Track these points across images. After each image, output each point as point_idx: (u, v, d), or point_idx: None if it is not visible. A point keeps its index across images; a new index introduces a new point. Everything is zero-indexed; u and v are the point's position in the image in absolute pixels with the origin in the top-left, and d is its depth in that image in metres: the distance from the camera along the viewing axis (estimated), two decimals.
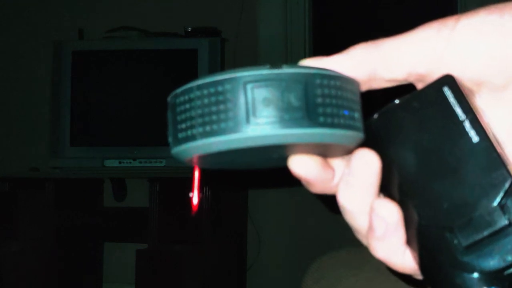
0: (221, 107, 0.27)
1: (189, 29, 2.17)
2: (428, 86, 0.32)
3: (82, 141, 2.18)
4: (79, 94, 2.19)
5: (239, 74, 0.27)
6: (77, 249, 2.21)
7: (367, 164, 0.32)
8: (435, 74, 0.32)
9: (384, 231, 0.31)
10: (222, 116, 0.27)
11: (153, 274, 1.95)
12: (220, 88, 0.27)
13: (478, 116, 0.30)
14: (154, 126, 2.16)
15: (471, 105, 0.30)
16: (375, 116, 0.33)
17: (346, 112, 0.29)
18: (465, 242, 0.29)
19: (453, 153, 0.30)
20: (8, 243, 2.05)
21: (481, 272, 0.29)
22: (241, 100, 0.27)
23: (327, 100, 0.28)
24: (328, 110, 0.28)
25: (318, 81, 0.28)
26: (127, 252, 2.17)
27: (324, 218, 2.24)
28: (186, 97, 0.28)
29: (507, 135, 0.32)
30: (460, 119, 0.30)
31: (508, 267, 0.29)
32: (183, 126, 0.29)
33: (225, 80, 0.27)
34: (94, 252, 2.34)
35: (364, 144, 0.31)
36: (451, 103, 0.30)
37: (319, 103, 0.28)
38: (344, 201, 0.33)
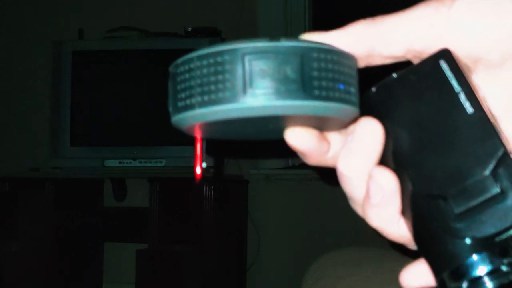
0: (219, 77, 0.28)
1: (189, 29, 2.17)
2: (425, 60, 0.32)
3: (82, 141, 2.18)
4: (79, 94, 2.19)
5: (238, 46, 0.28)
6: (77, 249, 2.21)
7: (371, 132, 0.32)
8: (433, 51, 0.33)
9: (380, 198, 0.32)
10: (220, 86, 0.28)
11: (153, 274, 1.95)
12: (219, 59, 0.28)
13: (473, 89, 0.31)
14: (154, 126, 2.16)
15: (467, 78, 0.31)
16: (373, 89, 0.34)
17: (341, 86, 0.29)
18: (457, 209, 0.30)
19: (448, 124, 0.31)
20: (8, 243, 2.05)
21: (472, 238, 0.30)
22: (239, 71, 0.28)
23: (323, 74, 0.29)
24: (323, 83, 0.29)
25: (315, 54, 0.29)
26: (127, 252, 2.17)
27: (324, 218, 2.24)
28: (186, 67, 0.29)
29: (503, 111, 0.33)
30: (456, 91, 0.31)
31: (499, 233, 0.30)
32: (183, 95, 0.30)
33: (224, 51, 0.28)
34: (94, 252, 2.34)
35: (364, 112, 0.32)
36: (447, 76, 0.31)
37: (315, 76, 0.28)
38: (345, 168, 0.33)
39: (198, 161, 0.34)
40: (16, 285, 2.05)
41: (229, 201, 2.18)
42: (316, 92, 0.28)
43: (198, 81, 0.29)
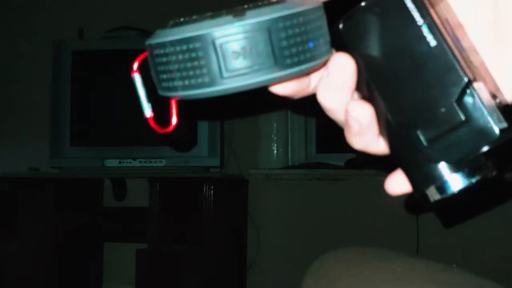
0: (195, 63, 0.30)
1: None
2: None
3: (82, 141, 2.18)
4: (79, 94, 2.19)
5: (207, 31, 0.29)
6: (77, 249, 2.21)
7: (343, 68, 0.34)
8: None
9: (359, 129, 0.35)
10: (198, 72, 0.30)
11: (153, 274, 1.95)
12: (191, 46, 0.29)
13: (436, 19, 0.32)
14: None
15: (429, 9, 0.32)
16: (341, 22, 0.35)
17: (311, 45, 0.31)
18: (427, 136, 0.33)
19: (414, 56, 0.33)
20: (8, 243, 2.05)
21: (443, 161, 0.33)
22: (212, 57, 0.29)
23: (292, 41, 0.30)
24: (294, 50, 0.30)
25: (281, 24, 0.29)
26: (127, 252, 2.17)
27: (324, 218, 2.24)
28: (162, 51, 0.31)
29: (469, 17, 0.34)
30: (418, 23, 0.32)
31: (467, 155, 0.33)
32: (164, 76, 0.31)
33: (195, 37, 0.29)
34: (94, 252, 2.34)
35: (336, 47, 0.34)
36: (409, 8, 0.32)
37: (285, 46, 0.30)
38: (323, 101, 0.36)
39: (173, 113, 0.35)
40: (16, 285, 2.05)
41: (229, 201, 2.18)
42: (288, 61, 0.30)
43: (176, 66, 0.30)
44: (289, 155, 2.38)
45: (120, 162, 2.12)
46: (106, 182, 2.36)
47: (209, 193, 1.96)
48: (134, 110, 2.20)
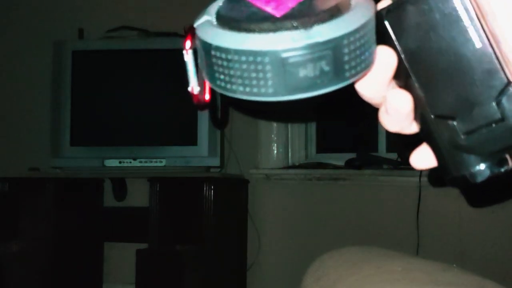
0: (260, 75, 0.30)
1: None
2: None
3: (82, 141, 2.18)
4: (79, 94, 2.19)
5: (278, 49, 0.30)
6: (77, 249, 2.21)
7: (385, 62, 0.35)
8: None
9: (398, 118, 0.37)
10: (262, 83, 0.30)
11: (153, 274, 1.95)
12: (259, 59, 0.30)
13: (482, 22, 0.33)
14: (154, 126, 2.16)
15: (476, 11, 0.33)
16: (385, 16, 0.36)
17: (367, 54, 0.32)
18: (464, 129, 0.35)
19: (457, 54, 0.34)
20: (8, 243, 2.05)
21: (476, 153, 0.36)
22: (280, 71, 0.30)
23: (352, 55, 0.31)
24: (353, 63, 0.31)
25: (345, 41, 0.31)
26: (127, 252, 2.17)
27: (324, 218, 2.24)
28: (223, 55, 0.31)
29: (499, 5, 0.34)
30: (465, 24, 0.33)
31: (498, 151, 0.35)
32: (222, 77, 0.31)
33: (264, 52, 0.30)
34: (94, 252, 2.34)
35: (378, 37, 0.34)
36: (458, 10, 0.33)
37: (345, 61, 0.31)
38: (362, 91, 0.37)
39: (207, 89, 0.37)
40: (16, 285, 2.05)
41: (229, 201, 2.18)
42: (347, 74, 0.31)
43: (238, 73, 0.30)
44: (289, 155, 2.38)
45: (120, 162, 2.12)
46: (106, 182, 2.36)
47: (209, 193, 1.96)
48: (134, 110, 2.19)
